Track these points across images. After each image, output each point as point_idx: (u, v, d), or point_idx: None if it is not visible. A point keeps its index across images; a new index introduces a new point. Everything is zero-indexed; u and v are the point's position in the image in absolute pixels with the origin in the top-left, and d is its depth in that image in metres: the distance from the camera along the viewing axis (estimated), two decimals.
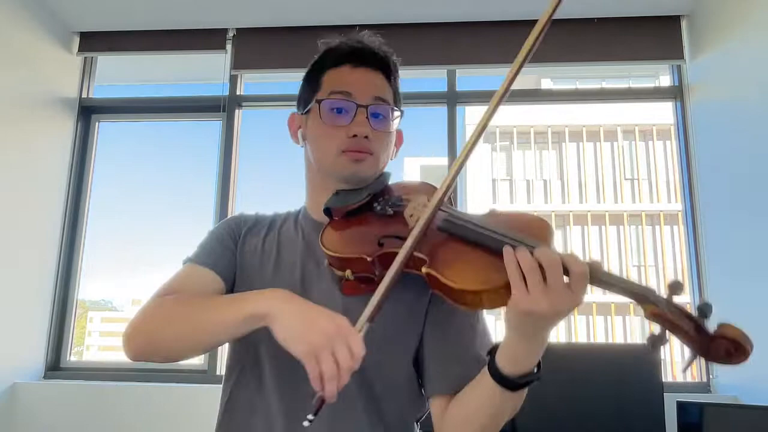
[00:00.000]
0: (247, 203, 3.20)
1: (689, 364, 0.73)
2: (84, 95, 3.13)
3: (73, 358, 2.93)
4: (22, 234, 2.70)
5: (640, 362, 2.23)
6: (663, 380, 2.19)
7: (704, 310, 0.72)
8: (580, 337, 10.10)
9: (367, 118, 1.01)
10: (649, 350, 0.75)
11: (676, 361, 9.70)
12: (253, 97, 3.15)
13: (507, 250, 0.76)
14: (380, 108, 1.03)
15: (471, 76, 3.25)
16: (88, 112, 3.14)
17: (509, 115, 10.69)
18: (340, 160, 1.01)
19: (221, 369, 2.77)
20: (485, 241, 0.82)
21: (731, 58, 2.56)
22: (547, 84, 9.20)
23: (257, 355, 0.98)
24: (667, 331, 0.73)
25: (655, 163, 10.76)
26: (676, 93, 2.94)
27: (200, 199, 3.18)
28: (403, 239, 0.86)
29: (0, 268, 2.55)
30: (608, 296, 10.91)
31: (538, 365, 0.84)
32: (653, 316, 0.73)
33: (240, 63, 3.03)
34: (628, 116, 10.42)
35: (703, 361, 0.70)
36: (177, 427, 2.53)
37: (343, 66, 1.04)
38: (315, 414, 0.77)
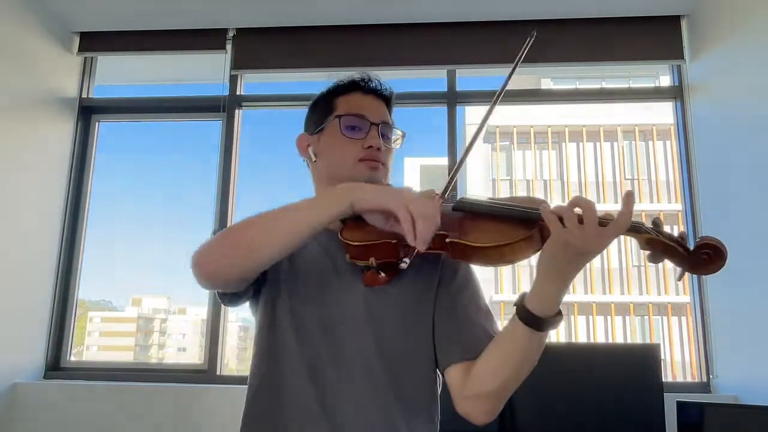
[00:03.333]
0: (246, 203, 3.20)
1: (681, 276, 0.90)
2: (84, 95, 3.13)
3: (73, 358, 2.93)
4: (22, 234, 2.70)
5: (640, 362, 2.23)
6: (663, 380, 2.19)
7: (683, 237, 0.88)
8: (580, 337, 10.10)
9: (378, 134, 1.15)
10: (651, 263, 0.91)
11: (677, 361, 9.70)
12: (253, 97, 3.15)
13: (543, 206, 0.90)
14: (388, 129, 1.19)
15: (471, 77, 3.25)
16: (88, 112, 3.14)
17: (509, 115, 10.69)
18: (358, 168, 1.13)
19: (221, 369, 2.77)
20: (498, 211, 0.98)
21: (731, 58, 2.56)
22: (547, 84, 9.19)
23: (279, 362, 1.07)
24: (660, 252, 0.89)
25: (655, 163, 10.76)
26: (676, 93, 2.94)
27: (200, 199, 3.18)
28: None
29: (0, 268, 2.55)
30: (608, 296, 10.91)
31: (560, 314, 0.95)
32: (648, 243, 0.89)
33: (240, 63, 3.04)
34: (628, 116, 10.42)
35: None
36: (177, 427, 2.53)
37: (354, 92, 1.20)
38: (411, 260, 0.95)
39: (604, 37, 2.92)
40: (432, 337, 1.09)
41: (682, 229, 2.74)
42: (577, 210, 0.86)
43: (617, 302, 10.15)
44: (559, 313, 0.94)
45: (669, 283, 10.36)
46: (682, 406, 2.16)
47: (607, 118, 10.64)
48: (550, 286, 0.91)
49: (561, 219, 0.87)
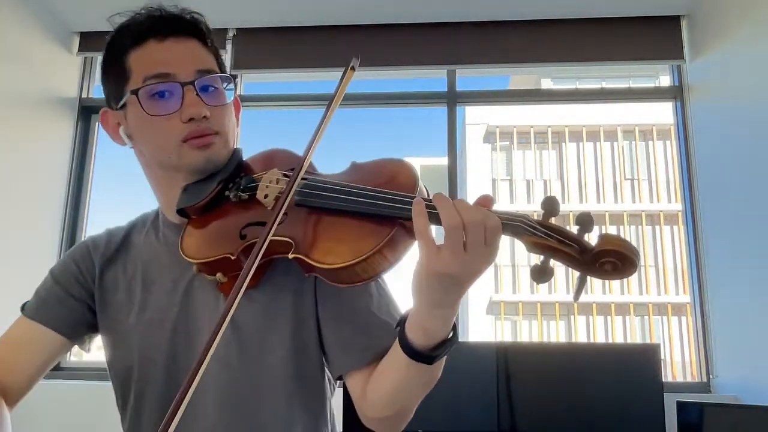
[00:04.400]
0: None
1: (580, 289, 0.66)
2: (84, 95, 3.13)
3: (73, 358, 2.93)
4: (22, 233, 2.70)
5: (640, 362, 2.23)
6: (663, 380, 2.19)
7: (584, 222, 0.65)
8: (580, 337, 10.10)
9: (197, 95, 0.86)
10: (535, 282, 0.66)
11: (677, 361, 9.70)
12: (253, 97, 3.15)
13: (417, 203, 0.67)
14: (208, 80, 0.89)
15: (471, 77, 3.25)
16: (88, 112, 3.13)
17: (509, 115, 10.69)
18: (185, 152, 0.86)
19: None
20: (350, 207, 0.75)
21: (731, 58, 2.56)
22: (547, 84, 9.20)
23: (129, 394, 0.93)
24: (550, 260, 0.66)
25: (655, 163, 10.76)
26: (676, 93, 2.94)
27: None
28: (264, 224, 0.77)
29: (0, 267, 2.55)
30: (608, 296, 10.92)
31: (454, 329, 0.74)
32: (533, 246, 0.66)
33: (240, 63, 3.03)
34: (628, 116, 10.42)
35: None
36: None
37: (147, 42, 0.88)
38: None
39: (604, 37, 2.91)
40: (320, 343, 0.88)
41: (681, 230, 2.72)
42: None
43: (617, 302, 10.15)
44: (450, 338, 0.74)
45: (669, 283, 10.36)
46: (682, 406, 2.17)
47: (607, 118, 10.64)
48: (431, 320, 0.71)
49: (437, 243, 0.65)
